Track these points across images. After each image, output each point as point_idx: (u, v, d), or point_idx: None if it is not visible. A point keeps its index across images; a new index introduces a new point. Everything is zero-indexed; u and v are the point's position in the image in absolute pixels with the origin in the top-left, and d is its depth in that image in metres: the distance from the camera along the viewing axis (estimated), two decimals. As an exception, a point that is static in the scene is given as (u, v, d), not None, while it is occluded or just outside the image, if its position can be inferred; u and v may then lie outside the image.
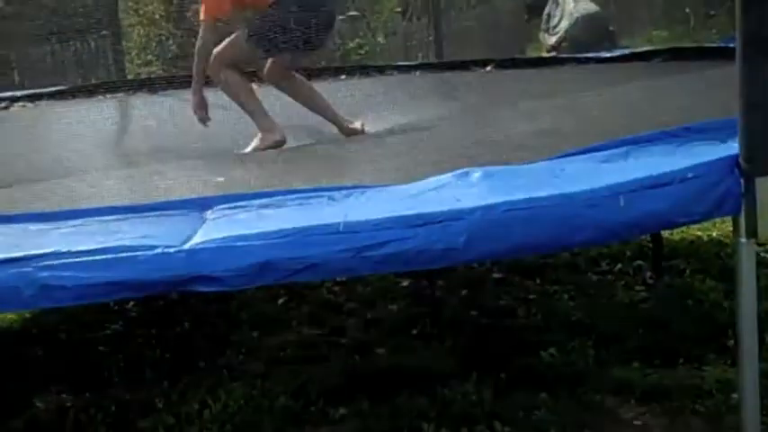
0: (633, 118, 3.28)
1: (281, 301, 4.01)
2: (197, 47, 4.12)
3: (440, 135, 3.78)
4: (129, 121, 5.15)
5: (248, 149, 4.05)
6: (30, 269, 2.02)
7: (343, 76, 5.70)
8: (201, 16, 4.15)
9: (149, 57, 11.29)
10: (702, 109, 3.02)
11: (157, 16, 11.56)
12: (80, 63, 11.37)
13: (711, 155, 2.22)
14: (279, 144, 4.05)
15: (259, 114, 4.09)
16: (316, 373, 3.19)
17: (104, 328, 3.84)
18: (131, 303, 3.98)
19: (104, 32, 9.67)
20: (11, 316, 3.93)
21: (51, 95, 5.50)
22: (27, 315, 3.94)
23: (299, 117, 4.31)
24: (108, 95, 5.41)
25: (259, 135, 4.08)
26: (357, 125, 4.24)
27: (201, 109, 4.21)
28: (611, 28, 11.03)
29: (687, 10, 12.94)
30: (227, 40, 4.16)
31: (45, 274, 2.02)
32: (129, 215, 2.41)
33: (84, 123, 4.60)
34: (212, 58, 4.14)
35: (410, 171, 2.68)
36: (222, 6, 4.07)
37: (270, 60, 4.16)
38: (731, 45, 2.24)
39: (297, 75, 4.25)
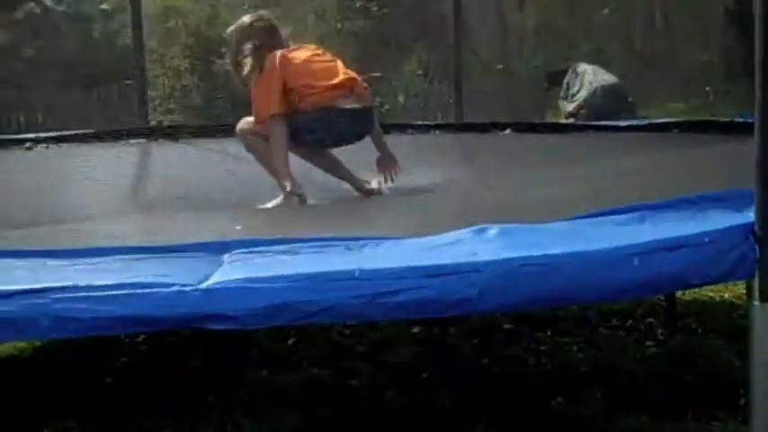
0: (650, 186, 3.30)
1: (290, 341, 4.02)
2: (271, 143, 4.11)
3: (457, 193, 3.82)
4: (151, 166, 5.20)
5: (269, 205, 4.09)
6: (46, 301, 2.06)
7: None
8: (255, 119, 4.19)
9: (172, 105, 11.45)
10: (718, 180, 3.05)
11: (182, 69, 11.77)
12: (105, 108, 11.53)
13: (727, 222, 2.24)
14: (300, 204, 4.09)
15: (282, 174, 4.10)
16: (325, 414, 3.18)
17: (115, 360, 3.85)
18: (142, 337, 3.99)
19: (129, 82, 9.84)
20: (22, 344, 3.94)
21: (74, 138, 5.56)
22: (38, 344, 3.96)
23: (319, 173, 4.36)
24: (131, 140, 5.47)
25: (281, 194, 4.11)
26: (374, 185, 4.29)
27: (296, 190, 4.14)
28: (629, 99, 11.11)
29: (707, 88, 13.05)
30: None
31: (61, 305, 2.06)
32: (147, 255, 2.44)
33: (105, 167, 4.66)
34: (240, 126, 4.22)
35: (427, 226, 2.70)
36: (269, 109, 4.09)
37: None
38: (749, 120, 2.28)
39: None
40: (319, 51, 4.35)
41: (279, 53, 4.13)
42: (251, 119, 4.21)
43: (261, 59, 4.12)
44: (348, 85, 4.15)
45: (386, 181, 4.32)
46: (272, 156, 4.09)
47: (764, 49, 2.10)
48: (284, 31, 4.38)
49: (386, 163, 4.32)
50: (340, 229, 3.17)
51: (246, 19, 4.30)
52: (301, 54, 4.23)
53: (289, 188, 4.00)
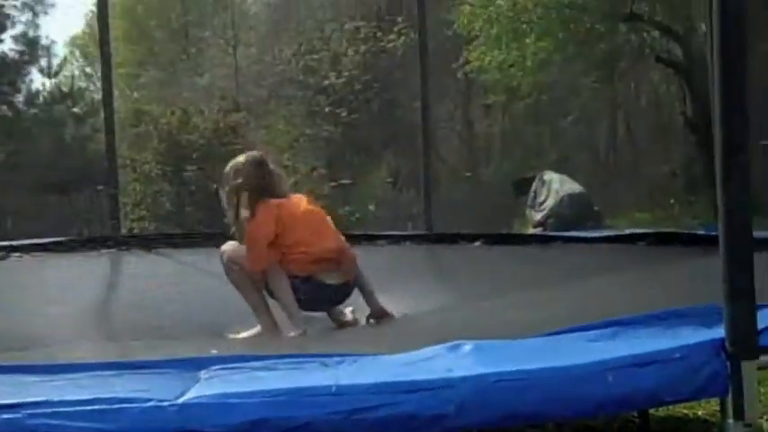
0: (620, 301, 3.35)
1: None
2: (275, 288, 4.10)
3: (431, 309, 3.83)
4: (122, 279, 5.18)
5: (242, 335, 4.04)
6: (21, 416, 2.04)
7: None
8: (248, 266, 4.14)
9: (143, 212, 11.48)
10: (687, 294, 3.10)
11: (153, 174, 11.84)
12: (76, 215, 11.51)
13: (697, 337, 2.28)
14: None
15: (262, 311, 4.09)
16: None
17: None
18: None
19: (100, 187, 9.86)
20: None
21: (45, 248, 5.55)
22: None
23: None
24: (103, 250, 5.47)
25: (258, 328, 4.07)
26: (349, 317, 4.26)
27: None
28: (595, 208, 11.30)
29: (672, 201, 13.30)
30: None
31: (36, 421, 2.04)
32: (123, 371, 2.43)
33: (77, 280, 4.64)
34: (226, 254, 4.15)
35: (401, 343, 2.72)
36: (266, 259, 4.08)
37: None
38: (713, 233, 2.34)
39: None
40: (312, 207, 4.33)
41: (274, 203, 4.13)
42: (234, 244, 4.17)
43: (254, 202, 4.12)
44: (335, 258, 4.14)
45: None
46: (279, 295, 4.07)
47: (725, 165, 2.15)
48: (284, 180, 4.40)
49: (378, 319, 4.20)
50: (313, 346, 3.18)
51: (241, 159, 4.30)
52: (295, 209, 4.21)
53: (298, 331, 3.97)
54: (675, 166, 16.79)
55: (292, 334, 3.97)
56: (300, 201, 4.33)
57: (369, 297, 4.21)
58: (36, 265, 5.19)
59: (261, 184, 4.16)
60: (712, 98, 2.16)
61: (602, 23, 14.32)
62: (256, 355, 2.50)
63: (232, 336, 4.02)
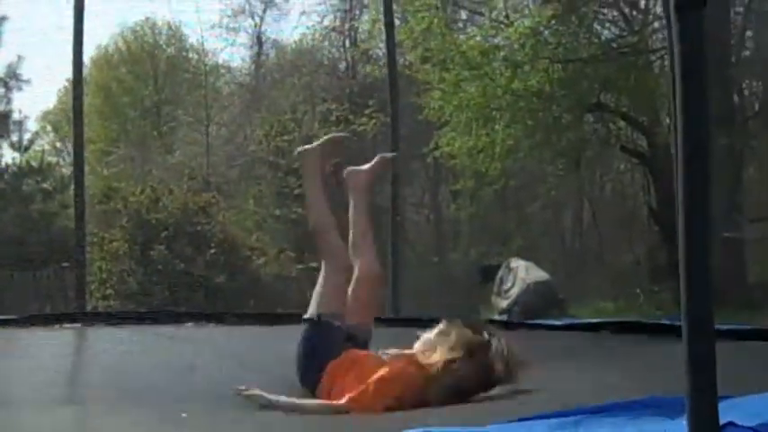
0: (584, 389, 3.38)
1: None
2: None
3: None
4: (87, 356, 5.13)
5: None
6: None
7: (299, 323, 5.79)
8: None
9: (108, 290, 11.40)
10: (652, 383, 3.13)
11: (121, 253, 11.81)
12: (40, 292, 11.41)
13: (661, 429, 2.31)
14: None
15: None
16: None
17: None
18: None
19: (66, 264, 9.82)
20: None
21: (8, 323, 5.51)
22: None
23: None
24: (67, 325, 5.43)
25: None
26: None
27: None
28: (560, 296, 11.38)
29: (637, 290, 13.42)
30: None
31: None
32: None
33: (39, 355, 4.60)
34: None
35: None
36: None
37: None
38: (676, 323, 2.39)
39: None
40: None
41: None
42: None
43: None
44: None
45: None
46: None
47: (688, 261, 2.20)
48: None
49: None
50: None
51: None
52: None
53: None
54: (639, 256, 16.98)
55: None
56: None
57: None
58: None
59: None
60: (676, 191, 2.21)
61: (570, 113, 14.60)
62: None
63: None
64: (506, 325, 6.14)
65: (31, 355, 4.68)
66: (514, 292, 10.89)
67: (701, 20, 2.06)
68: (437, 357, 3.41)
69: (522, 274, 11.07)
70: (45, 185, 18.00)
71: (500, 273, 11.50)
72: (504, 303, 10.94)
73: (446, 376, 3.34)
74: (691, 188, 2.15)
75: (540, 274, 11.25)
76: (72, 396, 4.05)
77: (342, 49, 22.16)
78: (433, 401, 3.28)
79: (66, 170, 19.56)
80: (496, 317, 9.72)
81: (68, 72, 7.99)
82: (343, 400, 3.34)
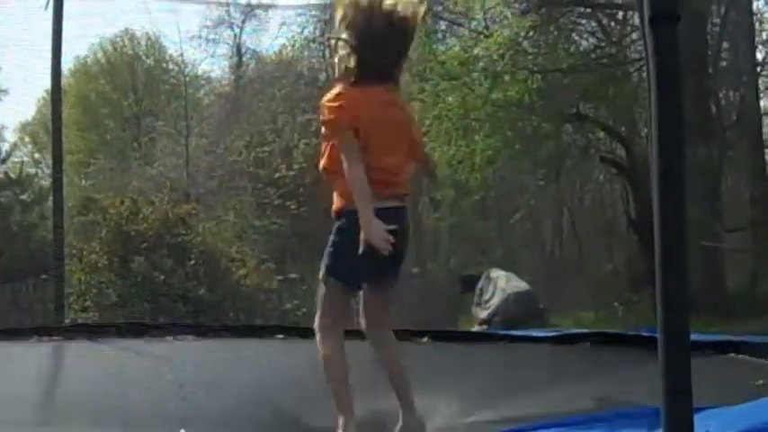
0: (564, 400, 3.39)
1: None
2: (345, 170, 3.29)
3: (377, 410, 3.81)
4: (66, 370, 5.09)
5: None
6: None
7: (280, 335, 5.78)
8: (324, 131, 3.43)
9: (87, 303, 11.34)
10: (631, 394, 3.15)
11: (100, 265, 11.75)
12: (17, 304, 11.34)
13: (637, 440, 2.32)
14: None
15: (340, 396, 3.37)
16: None
17: None
18: None
19: (44, 276, 9.76)
20: None
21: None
22: None
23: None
24: (45, 338, 5.39)
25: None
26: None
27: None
28: (540, 306, 11.42)
29: (616, 303, 13.48)
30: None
31: None
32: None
33: (17, 368, 4.55)
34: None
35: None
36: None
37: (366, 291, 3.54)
38: (654, 335, 2.40)
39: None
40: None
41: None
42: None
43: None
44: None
45: None
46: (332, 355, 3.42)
47: (664, 272, 2.22)
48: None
49: None
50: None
51: None
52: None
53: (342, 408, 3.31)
54: (618, 265, 17.06)
55: None
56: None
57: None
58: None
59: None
60: (654, 201, 2.22)
61: (549, 123, 14.68)
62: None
63: None
64: (487, 335, 6.16)
65: (4, 371, 4.62)
66: (495, 302, 10.92)
67: (675, 33, 2.08)
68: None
69: (502, 284, 11.12)
70: (24, 197, 17.92)
71: (480, 283, 11.54)
72: (484, 313, 10.96)
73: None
74: (666, 198, 2.16)
75: (520, 284, 11.30)
76: (47, 416, 4.00)
77: (322, 60, 22.21)
78: None
79: (45, 181, 19.49)
80: (476, 327, 9.73)
81: (47, 83, 7.95)
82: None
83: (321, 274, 3.51)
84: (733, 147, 14.99)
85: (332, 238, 3.48)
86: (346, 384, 3.37)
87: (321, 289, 3.52)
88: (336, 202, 3.46)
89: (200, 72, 25.00)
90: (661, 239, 2.20)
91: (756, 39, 14.77)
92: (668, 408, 2.26)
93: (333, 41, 3.50)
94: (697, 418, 2.19)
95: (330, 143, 3.41)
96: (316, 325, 3.52)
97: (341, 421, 3.28)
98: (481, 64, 14.30)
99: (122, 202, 12.91)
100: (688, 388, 2.23)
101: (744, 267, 14.31)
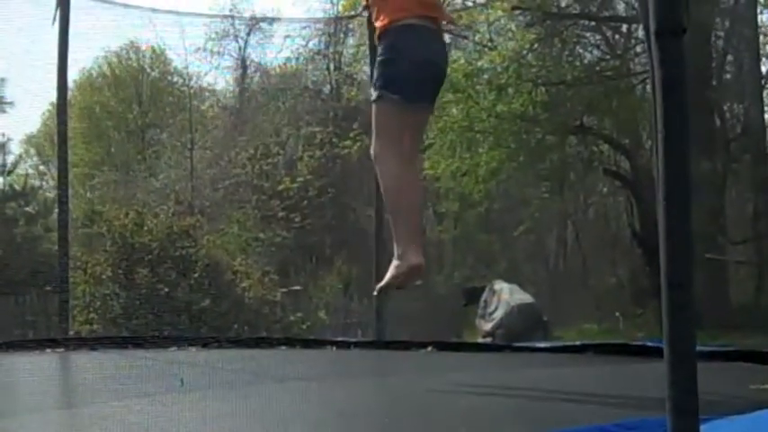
0: (569, 411, 3.38)
1: None
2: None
3: (376, 414, 3.81)
4: (70, 381, 5.09)
5: (383, 284, 3.66)
6: None
7: (283, 347, 5.79)
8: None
9: (92, 315, 11.34)
10: (636, 405, 3.15)
11: (104, 277, 11.76)
12: (22, 316, 11.34)
13: (643, 451, 2.32)
14: (414, 272, 3.63)
15: (404, 232, 3.52)
16: None
17: None
18: None
19: (48, 288, 9.76)
20: None
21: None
22: None
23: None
24: (49, 351, 5.40)
25: (394, 263, 3.57)
26: (418, 260, 3.80)
27: None
28: (544, 318, 11.39)
29: (617, 314, 13.46)
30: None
31: None
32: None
33: (22, 380, 4.56)
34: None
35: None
36: None
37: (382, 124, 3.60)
38: (660, 345, 2.40)
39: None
40: None
41: None
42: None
43: None
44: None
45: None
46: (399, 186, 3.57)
47: (670, 285, 2.21)
48: None
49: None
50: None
51: None
52: None
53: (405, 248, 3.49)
54: (622, 278, 17.03)
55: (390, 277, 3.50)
56: None
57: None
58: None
59: None
60: (659, 214, 2.22)
61: (553, 135, 14.69)
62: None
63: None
64: (493, 347, 6.16)
65: (6, 385, 4.62)
66: (498, 314, 10.90)
67: (681, 46, 2.08)
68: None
69: (506, 296, 11.09)
70: (28, 209, 17.93)
71: (484, 295, 11.51)
72: (488, 326, 10.94)
73: None
74: (672, 211, 2.16)
75: (524, 297, 11.27)
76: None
77: (326, 73, 22.25)
78: None
79: (50, 193, 19.49)
80: (480, 339, 9.72)
81: (52, 95, 7.96)
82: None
83: (373, 96, 3.54)
84: (737, 159, 14.98)
85: (381, 57, 3.53)
86: (416, 210, 3.56)
87: (375, 113, 3.54)
88: (383, 19, 3.55)
89: (204, 84, 25.02)
90: (666, 253, 2.20)
91: (761, 52, 14.78)
92: (674, 418, 2.26)
93: None
94: (703, 428, 2.18)
95: None
96: (372, 152, 3.56)
97: (398, 251, 3.46)
98: (485, 76, 14.34)
99: (127, 214, 12.93)
100: (694, 398, 2.23)
101: (748, 280, 14.29)
